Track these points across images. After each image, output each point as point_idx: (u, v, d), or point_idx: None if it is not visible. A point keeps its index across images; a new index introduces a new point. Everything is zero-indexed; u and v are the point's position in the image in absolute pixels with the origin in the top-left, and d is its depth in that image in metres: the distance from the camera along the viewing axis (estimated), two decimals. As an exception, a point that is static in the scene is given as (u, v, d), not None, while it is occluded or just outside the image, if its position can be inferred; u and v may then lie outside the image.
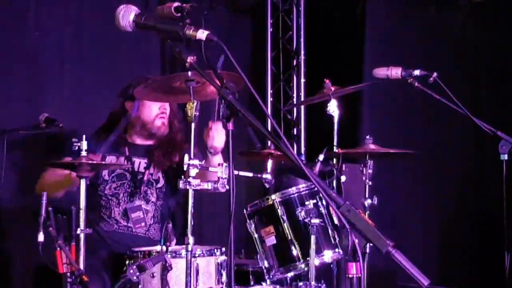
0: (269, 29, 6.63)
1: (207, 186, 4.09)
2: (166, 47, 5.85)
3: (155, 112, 4.87)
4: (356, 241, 2.41)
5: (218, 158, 4.44)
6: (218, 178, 4.14)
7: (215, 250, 4.36)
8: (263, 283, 4.50)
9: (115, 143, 4.85)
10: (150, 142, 4.95)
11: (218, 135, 4.32)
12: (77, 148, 4.15)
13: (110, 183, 4.86)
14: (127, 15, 2.85)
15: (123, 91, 4.93)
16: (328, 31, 6.74)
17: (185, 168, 3.91)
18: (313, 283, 4.35)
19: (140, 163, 4.90)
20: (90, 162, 4.16)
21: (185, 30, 2.74)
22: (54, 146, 5.04)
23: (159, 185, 4.91)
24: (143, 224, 4.78)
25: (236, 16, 6.78)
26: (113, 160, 4.83)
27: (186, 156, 3.92)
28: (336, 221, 4.36)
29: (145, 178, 4.88)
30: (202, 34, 2.72)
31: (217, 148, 4.38)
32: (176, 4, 2.89)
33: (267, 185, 4.78)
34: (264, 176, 4.79)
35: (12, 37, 5.59)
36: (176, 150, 4.82)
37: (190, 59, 2.81)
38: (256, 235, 4.49)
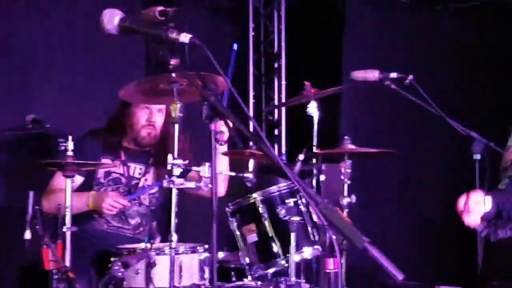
0: (251, 33, 6.65)
1: (191, 185, 4.11)
2: (151, 49, 5.85)
3: (142, 121, 4.84)
4: (334, 237, 2.41)
5: (223, 148, 4.45)
6: (201, 177, 4.16)
7: (198, 248, 4.38)
8: (245, 279, 4.51)
9: (112, 145, 4.84)
10: (146, 148, 4.93)
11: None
12: (63, 148, 4.16)
13: (106, 186, 4.86)
14: (112, 19, 2.85)
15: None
16: (308, 35, 6.77)
17: (168, 167, 3.93)
18: (293, 278, 4.36)
19: (135, 168, 4.90)
20: (75, 162, 4.17)
21: (168, 33, 2.75)
22: (41, 146, 5.03)
23: (152, 191, 4.92)
24: (141, 229, 4.79)
25: (218, 19, 6.79)
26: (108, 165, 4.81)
27: (169, 156, 3.93)
28: (315, 219, 4.36)
29: (140, 184, 4.90)
30: (185, 38, 2.73)
31: (224, 133, 4.35)
32: (160, 8, 2.89)
33: (249, 184, 4.79)
34: (246, 175, 4.81)
35: (7, 35, 5.59)
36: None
37: (173, 61, 2.82)
38: (238, 233, 4.48)
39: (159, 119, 4.85)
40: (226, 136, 4.25)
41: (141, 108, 4.84)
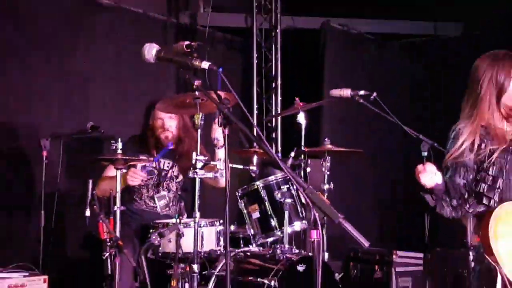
0: (255, 61, 6.62)
1: (210, 175, 4.11)
2: (180, 73, 5.85)
3: (159, 128, 4.80)
4: (317, 214, 2.39)
5: (221, 152, 4.42)
6: (217, 169, 4.16)
7: (215, 222, 4.39)
8: (250, 246, 4.50)
9: (146, 146, 4.83)
10: (172, 147, 4.85)
11: (218, 129, 4.27)
12: (114, 147, 4.17)
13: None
14: (151, 51, 2.85)
15: (149, 107, 4.90)
16: (298, 63, 6.75)
17: (193, 162, 3.93)
18: (286, 245, 4.37)
19: (164, 163, 4.86)
20: (123, 157, 4.17)
21: (192, 61, 2.75)
22: (97, 146, 5.02)
23: (178, 180, 4.90)
24: (167, 208, 4.77)
25: (230, 51, 6.78)
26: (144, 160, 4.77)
27: (194, 153, 3.93)
28: (303, 200, 4.35)
29: (169, 175, 4.87)
30: (205, 65, 2.72)
31: (219, 140, 4.33)
32: (186, 42, 2.89)
33: (253, 174, 4.79)
34: (251, 167, 4.80)
35: (66, 63, 5.59)
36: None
37: (196, 82, 2.81)
38: (245, 211, 4.51)
39: (172, 124, 4.79)
40: (221, 142, 4.24)
41: (157, 118, 4.80)
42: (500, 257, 2.76)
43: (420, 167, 2.90)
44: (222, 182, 4.60)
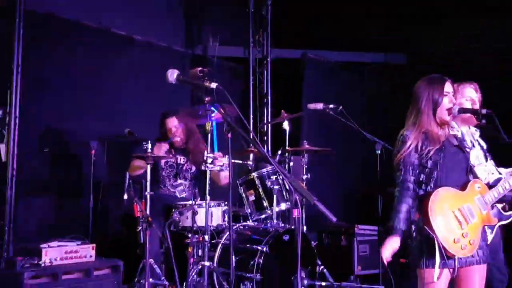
0: (251, 83, 6.62)
1: (217, 168, 4.11)
2: (194, 91, 5.84)
3: (171, 133, 4.76)
4: (297, 197, 2.39)
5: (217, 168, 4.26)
6: (223, 164, 4.16)
7: (222, 203, 4.39)
8: (248, 221, 4.51)
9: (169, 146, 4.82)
10: (184, 147, 4.84)
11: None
12: (145, 147, 4.17)
13: (165, 169, 4.82)
14: (173, 75, 2.85)
15: (162, 116, 4.86)
16: (283, 83, 6.75)
17: (205, 158, 3.94)
18: (275, 221, 4.38)
19: (180, 158, 4.83)
20: (151, 155, 4.18)
21: (204, 82, 2.75)
22: (133, 147, 5.02)
23: (192, 171, 4.87)
24: (184, 193, 4.76)
25: (233, 76, 6.79)
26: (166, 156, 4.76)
27: (205, 152, 3.94)
28: (287, 187, 4.37)
29: (184, 167, 4.85)
30: (213, 85, 2.73)
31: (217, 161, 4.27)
32: (200, 68, 2.91)
33: (250, 168, 4.80)
34: (248, 162, 4.82)
35: (109, 84, 5.60)
36: (199, 156, 4.72)
37: (207, 98, 2.82)
38: (244, 195, 4.52)
39: (178, 131, 4.75)
40: (220, 163, 4.23)
41: (168, 128, 4.77)
42: (436, 228, 2.77)
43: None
44: (222, 180, 4.66)
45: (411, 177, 2.89)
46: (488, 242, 3.04)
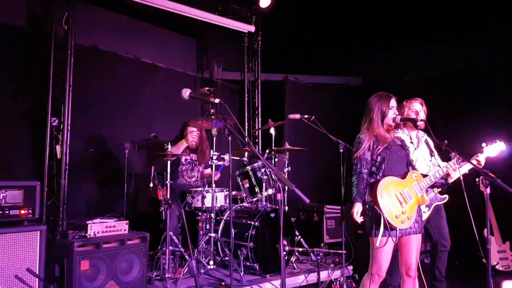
0: (246, 99, 6.59)
1: (221, 162, 4.10)
2: (203, 105, 5.82)
3: (189, 136, 4.72)
4: (280, 185, 2.40)
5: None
6: (225, 160, 4.15)
7: (224, 189, 4.39)
8: (244, 203, 4.51)
9: (184, 147, 4.79)
10: (196, 148, 4.80)
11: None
12: (166, 147, 4.15)
13: (184, 164, 4.79)
14: (186, 93, 2.85)
15: (183, 125, 4.84)
16: (270, 99, 6.72)
17: (211, 155, 3.92)
18: (264, 202, 4.38)
19: (194, 156, 4.81)
20: (172, 153, 4.16)
21: (210, 98, 2.74)
22: (157, 147, 5.00)
23: (202, 166, 4.84)
24: (196, 182, 4.74)
25: (232, 93, 6.77)
26: (183, 154, 4.74)
27: (211, 151, 3.93)
28: (273, 177, 4.37)
29: (197, 164, 4.80)
30: (217, 100, 2.73)
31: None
32: (207, 88, 2.90)
33: (245, 163, 4.80)
34: (244, 158, 4.81)
35: (138, 100, 5.56)
36: (207, 154, 4.71)
37: (212, 110, 2.81)
38: (240, 183, 4.50)
39: (196, 135, 4.73)
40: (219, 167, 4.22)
41: (188, 132, 4.72)
42: (382, 207, 2.78)
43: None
44: (206, 175, 4.76)
45: (365, 169, 2.91)
46: (424, 219, 3.06)
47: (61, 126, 4.67)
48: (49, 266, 3.01)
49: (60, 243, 3.12)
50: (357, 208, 2.86)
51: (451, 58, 6.15)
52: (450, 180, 2.97)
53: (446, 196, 3.04)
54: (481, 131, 4.26)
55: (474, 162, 3.20)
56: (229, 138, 2.85)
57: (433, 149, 3.48)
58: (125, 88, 5.43)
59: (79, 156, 4.97)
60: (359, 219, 2.85)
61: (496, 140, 3.16)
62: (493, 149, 3.22)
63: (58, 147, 4.66)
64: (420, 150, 3.55)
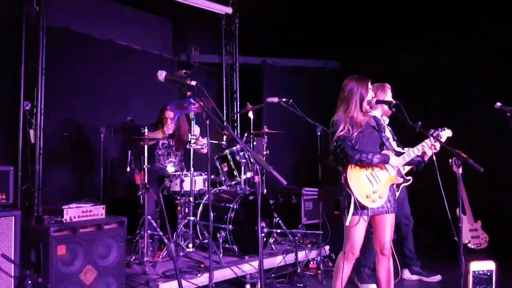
0: (224, 83, 6.56)
1: (199, 147, 4.08)
2: (181, 88, 5.76)
3: (165, 121, 4.64)
4: (258, 167, 2.41)
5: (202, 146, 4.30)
6: (203, 143, 4.13)
7: (203, 173, 4.38)
8: (223, 186, 4.52)
9: (158, 129, 4.72)
10: (173, 133, 4.73)
11: (196, 128, 4.18)
12: (143, 131, 4.11)
13: (161, 148, 4.76)
14: (162, 75, 2.79)
15: (162, 109, 4.78)
16: (248, 83, 6.68)
17: (189, 139, 3.90)
18: (242, 185, 4.41)
19: (171, 141, 4.77)
20: (149, 137, 4.12)
21: (187, 81, 2.72)
22: (133, 131, 4.93)
23: (179, 151, 4.81)
24: (173, 168, 4.69)
25: (210, 76, 6.70)
26: (160, 138, 4.68)
27: (189, 134, 3.90)
28: (251, 160, 4.39)
29: (174, 148, 4.78)
30: (193, 83, 2.70)
31: (197, 135, 4.22)
32: (184, 71, 2.85)
33: (223, 146, 4.79)
34: (222, 142, 4.81)
35: (115, 83, 5.46)
36: (185, 138, 4.66)
37: (189, 93, 2.79)
38: (219, 167, 4.48)
39: (172, 121, 4.64)
40: (200, 142, 4.19)
41: (166, 117, 4.66)
42: (352, 187, 2.85)
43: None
44: (204, 151, 4.55)
45: (349, 143, 2.85)
46: (396, 198, 3.13)
47: (34, 110, 4.56)
48: (25, 252, 2.97)
49: (36, 228, 3.08)
50: (390, 155, 2.91)
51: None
52: (426, 158, 3.02)
53: (410, 178, 3.11)
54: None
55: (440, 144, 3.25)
56: (207, 121, 2.83)
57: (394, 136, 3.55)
58: (99, 71, 5.31)
59: (53, 141, 4.88)
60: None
61: (445, 127, 3.21)
62: (446, 135, 3.28)
63: (31, 132, 4.55)
64: (387, 133, 3.62)
